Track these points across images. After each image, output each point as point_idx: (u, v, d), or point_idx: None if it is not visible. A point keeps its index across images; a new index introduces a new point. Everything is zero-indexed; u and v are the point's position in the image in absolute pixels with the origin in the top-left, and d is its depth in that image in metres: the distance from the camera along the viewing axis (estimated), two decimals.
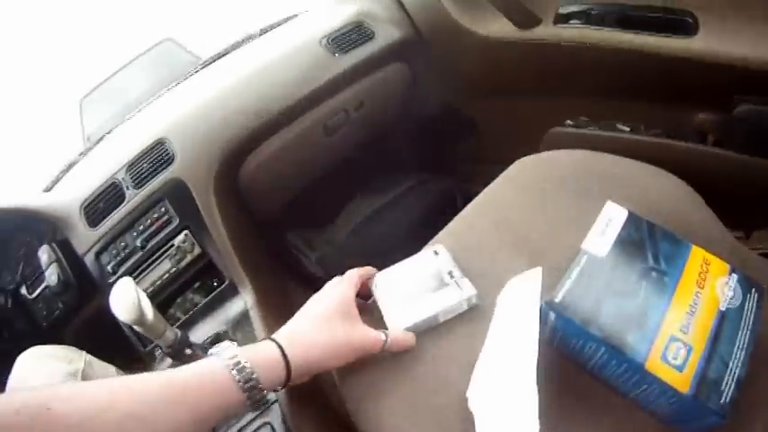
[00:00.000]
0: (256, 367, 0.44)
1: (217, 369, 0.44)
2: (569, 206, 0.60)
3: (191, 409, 0.42)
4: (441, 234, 0.66)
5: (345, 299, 0.53)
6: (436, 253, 0.60)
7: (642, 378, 0.41)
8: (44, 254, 0.97)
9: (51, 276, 0.94)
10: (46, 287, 0.98)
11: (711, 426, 0.41)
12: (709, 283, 0.45)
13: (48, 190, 1.16)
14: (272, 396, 0.59)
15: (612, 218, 0.49)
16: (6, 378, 0.79)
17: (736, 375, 0.40)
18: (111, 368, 0.88)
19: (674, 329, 0.42)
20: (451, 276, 0.57)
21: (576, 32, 0.83)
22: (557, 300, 0.44)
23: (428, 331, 0.55)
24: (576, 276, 0.45)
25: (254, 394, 0.44)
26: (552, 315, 0.44)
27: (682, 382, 0.40)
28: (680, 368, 0.40)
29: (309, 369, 0.49)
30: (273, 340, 0.48)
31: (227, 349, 0.49)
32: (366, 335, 0.51)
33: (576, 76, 0.92)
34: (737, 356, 0.41)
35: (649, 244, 0.47)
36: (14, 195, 1.10)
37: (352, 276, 0.57)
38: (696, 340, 0.41)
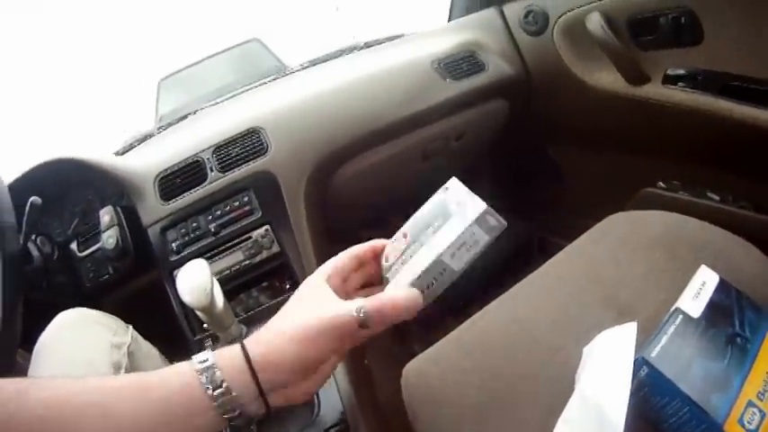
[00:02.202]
0: (224, 367, 0.39)
1: (183, 367, 0.41)
2: (659, 266, 0.61)
3: (153, 406, 0.39)
4: (530, 276, 0.66)
5: (312, 280, 0.44)
6: (446, 188, 0.46)
7: None
8: (106, 215, 0.94)
9: (109, 239, 0.91)
10: (99, 249, 0.95)
11: None
12: None
13: (119, 154, 1.14)
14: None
15: (706, 281, 0.51)
16: (39, 329, 0.75)
17: None
18: (155, 350, 0.83)
19: (751, 395, 0.43)
20: (459, 205, 0.42)
21: (681, 95, 0.83)
22: (652, 354, 0.45)
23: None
24: (671, 334, 0.47)
25: (222, 398, 0.39)
26: (645, 370, 0.45)
27: None
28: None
29: (276, 364, 0.40)
30: (240, 343, 0.42)
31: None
32: (337, 310, 0.40)
33: (673, 139, 0.93)
34: None
35: (737, 311, 0.50)
36: (84, 150, 1.08)
37: (337, 259, 0.46)
38: None
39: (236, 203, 0.85)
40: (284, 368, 0.40)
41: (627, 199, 1.04)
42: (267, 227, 0.82)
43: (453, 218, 0.42)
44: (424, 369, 0.57)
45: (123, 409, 0.39)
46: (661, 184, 0.99)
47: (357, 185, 0.94)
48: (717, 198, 0.89)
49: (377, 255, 0.48)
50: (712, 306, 0.49)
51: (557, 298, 0.61)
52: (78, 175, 1.00)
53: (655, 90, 0.87)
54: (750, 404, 0.43)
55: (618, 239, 0.68)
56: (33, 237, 0.98)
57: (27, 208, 0.90)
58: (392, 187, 1.01)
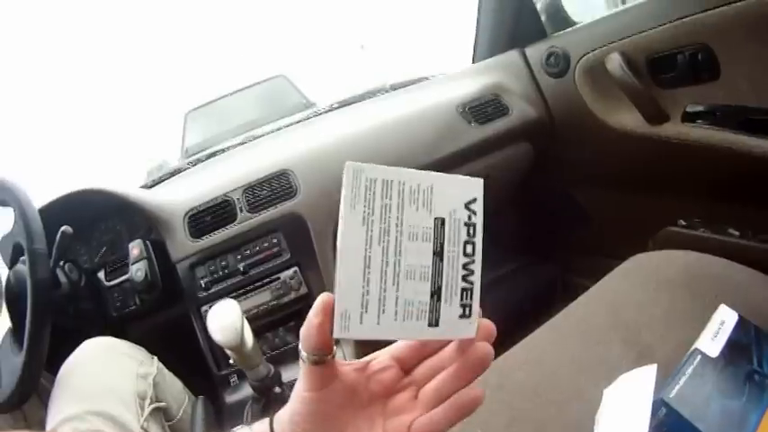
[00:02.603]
0: None
1: None
2: (681, 306, 0.62)
3: None
4: (553, 319, 0.67)
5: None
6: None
7: None
8: (135, 248, 0.96)
9: (138, 272, 0.93)
10: (127, 280, 0.97)
11: None
12: None
13: (148, 188, 1.17)
14: None
15: (725, 320, 0.52)
16: (64, 354, 0.76)
17: None
18: (179, 383, 0.85)
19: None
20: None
21: (701, 132, 0.84)
22: (671, 395, 0.46)
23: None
24: (689, 375, 0.48)
25: None
26: (663, 410, 0.46)
27: None
28: None
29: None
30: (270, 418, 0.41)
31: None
32: None
33: (694, 176, 0.93)
34: None
35: (755, 348, 0.51)
36: (113, 182, 1.11)
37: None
38: None
39: (266, 244, 0.87)
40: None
41: (649, 238, 1.04)
42: (296, 268, 0.83)
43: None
44: None
45: None
46: (682, 222, 0.99)
47: None
48: (737, 234, 0.90)
49: None
50: (731, 344, 0.50)
51: (579, 341, 0.62)
52: (107, 205, 1.03)
53: (675, 128, 0.87)
54: None
55: (639, 280, 0.69)
56: (62, 263, 1.01)
57: (58, 236, 0.92)
58: None
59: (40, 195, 1.02)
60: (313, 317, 0.29)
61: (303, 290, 0.82)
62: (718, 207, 0.93)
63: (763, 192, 0.82)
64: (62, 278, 0.99)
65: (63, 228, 0.94)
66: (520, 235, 1.23)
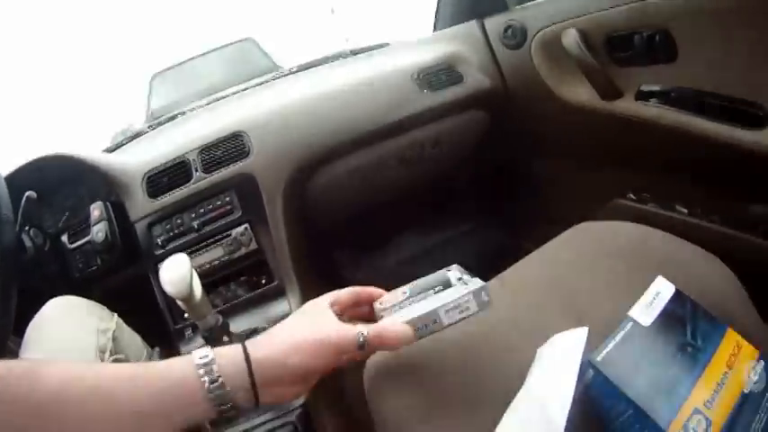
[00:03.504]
0: (222, 367, 0.43)
1: (183, 362, 0.44)
2: (620, 276, 0.62)
3: (153, 398, 0.42)
4: (492, 281, 0.67)
5: (318, 302, 0.50)
6: (449, 270, 0.56)
7: None
8: (96, 210, 0.98)
9: (98, 233, 0.95)
10: (88, 242, 1.00)
11: None
12: (738, 365, 0.48)
13: (110, 151, 1.19)
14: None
15: (661, 292, 0.52)
16: (30, 316, 0.79)
17: None
18: (137, 337, 0.88)
19: (698, 403, 0.44)
20: (460, 280, 0.51)
21: (653, 111, 0.85)
22: (598, 359, 0.47)
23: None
24: (619, 340, 0.48)
25: (218, 395, 0.42)
26: (591, 373, 0.47)
27: None
28: None
29: (276, 368, 0.45)
30: (242, 344, 0.47)
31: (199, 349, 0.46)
32: (340, 330, 0.47)
33: (645, 152, 0.95)
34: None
35: (690, 321, 0.50)
36: (76, 147, 1.12)
37: (340, 292, 0.53)
38: (717, 415, 0.44)
39: (219, 203, 0.89)
40: (281, 372, 0.45)
41: (598, 209, 1.07)
42: (246, 225, 0.86)
43: (454, 287, 0.51)
44: (384, 361, 0.60)
45: (124, 397, 0.41)
46: (631, 195, 1.01)
47: (335, 189, 0.98)
48: (685, 211, 0.91)
49: (372, 299, 0.55)
50: (665, 315, 0.50)
51: (517, 301, 0.63)
52: (70, 171, 1.04)
53: (627, 105, 0.89)
54: (696, 411, 0.44)
55: (582, 248, 0.69)
56: (27, 228, 1.02)
57: (23, 202, 0.95)
58: (370, 191, 1.05)
59: (5, 164, 1.03)
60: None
61: (253, 246, 0.85)
62: (668, 184, 0.94)
63: (713, 173, 0.84)
64: (27, 243, 1.01)
65: (27, 193, 0.96)
66: (473, 199, 1.26)
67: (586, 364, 0.47)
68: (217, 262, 0.85)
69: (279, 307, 0.79)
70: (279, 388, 0.45)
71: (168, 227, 0.92)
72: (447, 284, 0.51)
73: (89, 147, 1.27)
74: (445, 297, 0.49)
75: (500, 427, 0.49)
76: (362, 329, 0.46)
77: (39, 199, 0.96)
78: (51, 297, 0.81)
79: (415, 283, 0.55)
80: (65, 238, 1.06)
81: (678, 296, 0.52)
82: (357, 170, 0.97)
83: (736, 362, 0.48)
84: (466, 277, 0.52)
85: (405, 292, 0.53)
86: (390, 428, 0.55)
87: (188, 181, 0.93)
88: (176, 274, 0.64)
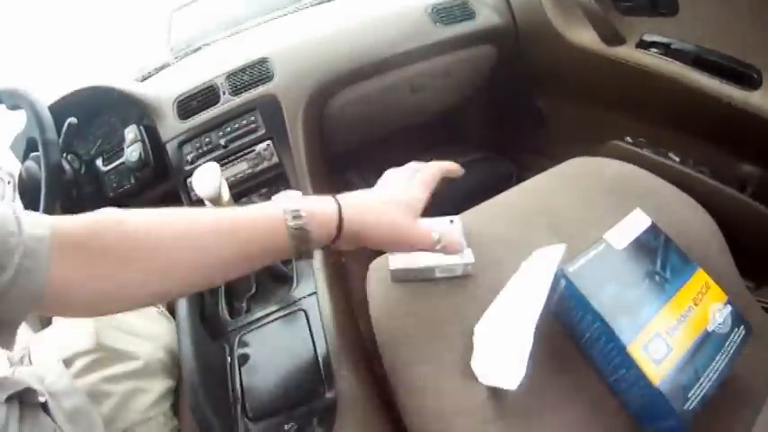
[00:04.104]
0: (311, 218, 0.46)
1: (272, 213, 0.46)
2: (606, 209, 0.65)
3: (239, 243, 0.44)
4: (485, 203, 0.73)
5: (415, 200, 0.53)
6: (451, 221, 0.67)
7: (623, 361, 0.47)
8: (131, 132, 1.06)
9: (132, 153, 1.04)
10: (122, 163, 1.08)
11: (669, 430, 0.46)
12: (704, 304, 0.50)
13: (140, 81, 1.27)
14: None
15: (637, 222, 0.55)
16: None
17: (704, 390, 0.45)
18: None
19: (660, 328, 0.47)
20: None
21: (653, 60, 0.88)
22: (570, 270, 0.50)
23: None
24: (591, 257, 0.51)
25: (302, 244, 0.45)
26: (563, 282, 0.51)
27: (655, 374, 0.45)
28: (657, 362, 0.45)
29: (359, 235, 0.49)
30: (335, 199, 0.49)
31: (290, 198, 0.49)
32: (422, 230, 0.51)
33: (643, 100, 0.98)
34: (710, 375, 0.46)
35: (661, 253, 0.53)
36: (110, 78, 1.20)
37: (428, 180, 0.55)
38: (678, 345, 0.47)
39: (244, 122, 0.97)
40: (359, 238, 0.49)
41: (596, 149, 1.11)
42: (269, 142, 0.94)
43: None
44: (385, 265, 0.65)
45: (211, 243, 0.44)
46: (628, 139, 1.03)
47: (351, 112, 1.05)
48: (677, 159, 0.94)
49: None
50: (638, 243, 0.53)
51: (507, 221, 0.68)
52: (104, 101, 1.12)
53: (629, 52, 0.92)
54: (658, 335, 0.47)
55: (573, 180, 0.74)
56: (65, 155, 1.12)
57: (65, 127, 1.04)
58: (383, 116, 1.12)
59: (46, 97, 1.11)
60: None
61: (274, 160, 0.93)
62: (664, 132, 0.96)
63: (707, 127, 0.86)
64: (66, 167, 1.11)
65: (69, 119, 1.05)
66: (479, 130, 1.33)
67: (559, 273, 0.51)
68: (241, 175, 0.94)
69: None
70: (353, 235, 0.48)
71: (197, 145, 1.00)
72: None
73: (122, 78, 1.35)
74: (442, 259, 0.60)
75: (477, 326, 0.56)
76: (437, 237, 0.52)
77: (77, 127, 1.06)
78: None
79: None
80: (99, 162, 1.15)
81: (653, 229, 0.54)
82: (371, 95, 1.04)
83: (703, 300, 0.50)
84: (463, 242, 0.62)
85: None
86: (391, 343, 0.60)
87: (216, 103, 1.01)
88: (207, 178, 0.72)
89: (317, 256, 0.78)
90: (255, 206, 0.48)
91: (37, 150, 1.02)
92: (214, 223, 0.45)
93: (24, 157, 1.12)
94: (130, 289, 0.43)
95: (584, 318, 0.50)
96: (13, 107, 1.03)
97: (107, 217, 0.43)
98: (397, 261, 0.62)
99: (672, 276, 0.51)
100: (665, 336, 0.47)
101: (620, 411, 0.50)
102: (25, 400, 0.51)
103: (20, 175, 1.10)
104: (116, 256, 0.41)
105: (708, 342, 0.48)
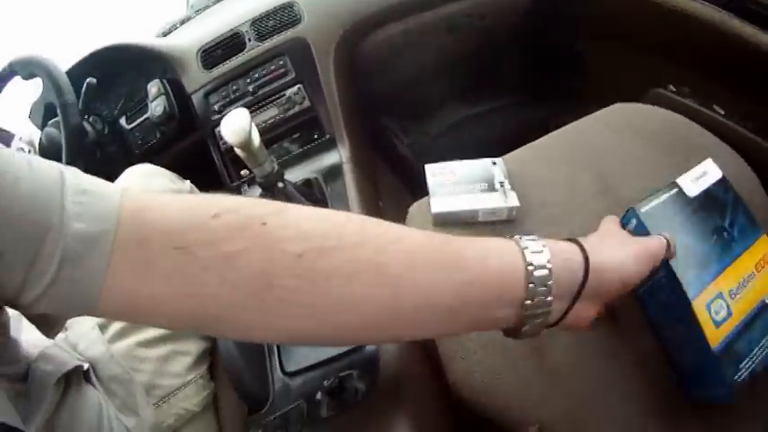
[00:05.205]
0: (553, 256, 0.34)
1: (506, 244, 0.35)
2: (652, 158, 0.63)
3: (455, 285, 0.31)
4: (527, 146, 0.70)
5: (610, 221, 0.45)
6: (494, 163, 0.64)
7: (684, 316, 0.43)
8: (153, 87, 1.04)
9: (157, 108, 1.01)
10: (147, 119, 1.06)
11: (714, 399, 0.44)
12: (765, 272, 0.47)
13: (161, 37, 1.24)
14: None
15: (708, 172, 0.50)
16: None
17: (755, 363, 0.43)
18: None
19: (724, 288, 0.44)
20: (502, 185, 0.60)
21: (701, 8, 0.84)
22: (642, 210, 0.46)
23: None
24: (663, 200, 0.47)
25: (538, 295, 0.33)
26: (634, 222, 0.47)
27: (714, 336, 0.42)
28: (717, 324, 0.43)
29: (610, 273, 0.37)
30: (574, 241, 0.38)
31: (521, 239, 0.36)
32: (652, 238, 0.43)
33: (689, 49, 0.94)
34: (764, 348, 0.44)
35: (730, 210, 0.49)
36: (129, 35, 1.17)
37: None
38: (737, 310, 0.44)
39: (273, 67, 0.94)
40: (612, 278, 0.37)
41: (638, 96, 1.07)
42: (299, 85, 0.91)
43: (497, 193, 0.59)
44: (423, 208, 0.63)
45: (417, 284, 0.31)
46: (671, 87, 0.99)
47: (384, 54, 1.01)
48: (722, 112, 0.89)
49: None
50: (709, 195, 0.48)
51: (550, 164, 0.65)
52: (125, 59, 1.10)
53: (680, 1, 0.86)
54: (720, 296, 0.43)
55: (616, 125, 0.71)
56: (87, 117, 1.10)
57: (84, 88, 1.02)
58: (417, 59, 1.07)
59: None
60: None
61: (306, 103, 0.90)
62: (709, 84, 0.92)
63: (755, 81, 0.82)
64: (88, 128, 1.09)
65: (88, 79, 1.03)
66: (516, 74, 1.27)
67: (631, 213, 0.47)
68: (272, 120, 0.91)
69: (330, 158, 0.84)
70: (587, 307, 0.37)
71: (224, 93, 0.97)
72: (490, 186, 0.60)
73: (142, 34, 1.32)
74: (487, 202, 0.58)
75: None
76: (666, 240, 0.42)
77: (97, 87, 1.03)
78: (116, 175, 0.85)
79: (462, 164, 0.63)
80: (122, 121, 1.13)
81: (724, 182, 0.50)
82: (405, 35, 0.99)
83: (765, 268, 0.47)
84: (507, 185, 0.60)
85: (453, 173, 0.62)
86: None
87: (242, 50, 0.97)
88: (236, 123, 0.69)
89: (354, 199, 0.75)
90: (483, 238, 0.36)
91: (56, 116, 1.00)
92: (426, 245, 0.32)
93: (43, 125, 1.10)
94: (262, 320, 0.31)
95: None
96: (29, 76, 1.01)
97: (242, 205, 0.31)
98: (440, 204, 0.59)
99: (739, 236, 0.47)
100: (726, 298, 0.44)
101: (665, 370, 0.48)
102: (71, 374, 0.49)
103: (40, 142, 1.09)
104: (251, 273, 0.29)
105: (764, 314, 0.45)
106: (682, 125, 0.69)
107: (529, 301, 0.32)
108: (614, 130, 0.70)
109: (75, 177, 0.30)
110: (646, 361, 0.49)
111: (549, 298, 0.33)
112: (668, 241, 0.42)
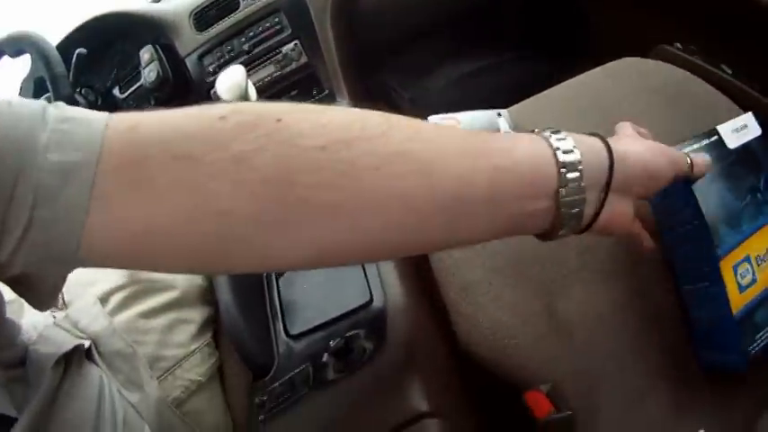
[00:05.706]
0: (578, 143, 0.33)
1: (530, 135, 0.34)
2: (658, 112, 0.61)
3: (487, 174, 0.29)
4: (532, 98, 0.68)
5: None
6: (499, 114, 0.63)
7: (710, 273, 0.41)
8: (146, 53, 1.01)
9: (150, 73, 0.99)
10: (140, 86, 1.04)
11: (726, 366, 0.42)
12: None
13: (155, 1, 1.21)
14: None
15: (749, 127, 0.46)
16: None
17: None
18: None
19: (752, 252, 0.42)
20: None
21: None
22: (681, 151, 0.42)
23: None
24: (702, 145, 0.43)
25: (571, 182, 0.31)
26: None
27: (736, 301, 0.40)
28: (742, 288, 0.41)
29: (636, 166, 0.36)
30: (591, 133, 0.37)
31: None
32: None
33: (698, 6, 0.92)
34: None
35: (766, 170, 0.45)
36: (117, 4, 1.14)
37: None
38: (762, 278, 0.42)
39: (268, 24, 0.92)
40: (639, 172, 0.36)
41: (644, 52, 1.06)
42: (296, 41, 0.89)
43: None
44: None
45: (449, 170, 0.28)
46: (678, 44, 0.96)
47: (383, 8, 1.00)
48: (729, 72, 0.86)
49: None
50: (748, 150, 0.45)
51: (557, 115, 0.65)
52: (115, 27, 1.07)
53: None
54: (747, 259, 0.41)
55: (623, 79, 0.69)
56: (79, 90, 1.08)
57: (74, 59, 0.99)
58: (417, 13, 1.05)
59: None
60: None
61: (303, 59, 0.88)
62: (717, 43, 0.90)
63: (765, 43, 0.79)
64: (81, 100, 1.07)
65: (78, 50, 1.01)
66: (519, 28, 1.25)
67: None
68: (269, 78, 0.89)
69: None
70: (621, 201, 0.36)
71: (219, 54, 0.95)
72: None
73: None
74: None
75: None
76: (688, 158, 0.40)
77: (89, 59, 1.01)
78: None
79: (466, 114, 0.61)
80: (116, 91, 1.11)
81: (764, 140, 0.46)
82: None
83: None
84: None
85: (458, 123, 0.60)
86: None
87: (236, 10, 0.95)
88: (231, 80, 0.68)
89: None
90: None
91: (47, 91, 0.98)
92: (453, 136, 0.30)
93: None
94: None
95: (682, 211, 0.43)
96: (17, 53, 0.99)
97: (251, 106, 0.29)
98: None
99: None
100: (753, 263, 0.42)
101: (680, 329, 0.46)
102: (71, 354, 0.47)
103: None
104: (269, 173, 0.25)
105: None
106: (689, 81, 0.68)
107: (563, 190, 0.31)
108: (622, 84, 0.68)
109: (59, 108, 0.26)
110: (659, 318, 0.47)
111: (583, 183, 0.31)
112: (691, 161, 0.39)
